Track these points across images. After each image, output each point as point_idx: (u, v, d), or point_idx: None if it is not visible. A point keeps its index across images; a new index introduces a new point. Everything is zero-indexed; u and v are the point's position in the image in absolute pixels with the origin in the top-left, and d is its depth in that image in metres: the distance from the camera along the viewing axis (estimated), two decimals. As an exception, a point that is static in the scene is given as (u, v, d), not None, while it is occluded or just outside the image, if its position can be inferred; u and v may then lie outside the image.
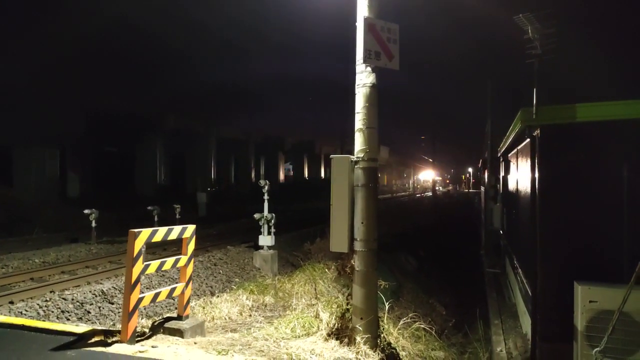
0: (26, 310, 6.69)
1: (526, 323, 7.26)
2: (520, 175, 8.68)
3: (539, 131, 6.14)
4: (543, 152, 6.08)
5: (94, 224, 13.61)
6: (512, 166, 10.85)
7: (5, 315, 6.25)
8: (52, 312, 6.83)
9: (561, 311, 5.44)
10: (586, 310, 4.99)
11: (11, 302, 7.14)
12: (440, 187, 67.55)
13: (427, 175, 72.03)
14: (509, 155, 11.60)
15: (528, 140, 6.80)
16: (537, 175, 6.14)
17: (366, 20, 4.91)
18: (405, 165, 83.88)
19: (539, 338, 6.00)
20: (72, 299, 7.30)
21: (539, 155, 6.13)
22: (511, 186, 11.33)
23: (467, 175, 78.18)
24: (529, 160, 6.64)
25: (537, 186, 6.12)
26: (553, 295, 5.84)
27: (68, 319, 6.73)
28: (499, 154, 14.70)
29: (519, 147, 9.00)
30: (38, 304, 6.94)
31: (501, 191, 14.53)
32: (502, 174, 14.29)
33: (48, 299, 7.23)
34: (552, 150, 6.04)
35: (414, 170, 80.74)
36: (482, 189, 22.65)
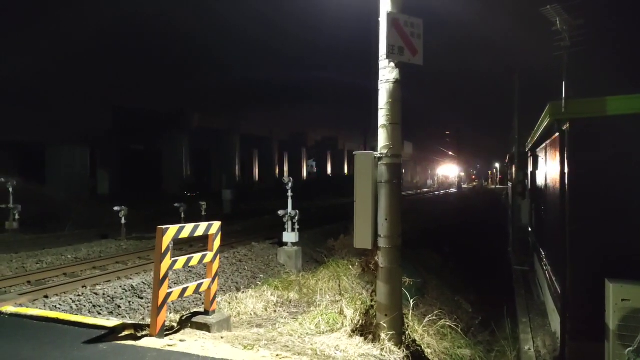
0: (60, 304, 6.92)
1: (555, 321, 7.11)
2: (549, 171, 8.48)
3: (568, 125, 5.98)
4: (573, 146, 5.93)
5: (123, 221, 13.94)
6: (541, 161, 10.60)
7: (40, 309, 6.49)
8: (84, 306, 7.05)
9: (592, 309, 5.31)
10: (618, 309, 4.86)
11: (46, 297, 7.40)
12: (465, 184, 66.56)
13: (452, 171, 71.12)
14: (537, 150, 11.34)
15: (557, 134, 6.63)
16: (566, 170, 5.99)
17: (389, 15, 4.87)
18: (429, 161, 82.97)
19: (568, 337, 5.87)
20: (103, 294, 7.52)
21: (569, 149, 5.97)
22: (540, 182, 11.08)
23: (494, 170, 76.81)
24: (558, 155, 6.48)
25: (566, 181, 5.98)
26: (583, 293, 5.69)
27: (99, 313, 6.94)
28: (526, 149, 14.39)
29: (547, 142, 8.79)
30: (71, 299, 7.17)
31: (529, 187, 14.22)
32: (530, 169, 13.98)
33: (80, 293, 7.47)
34: (582, 144, 5.87)
35: (439, 166, 79.75)
36: (510, 184, 22.22)
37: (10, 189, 15.12)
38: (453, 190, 54.25)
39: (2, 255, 11.00)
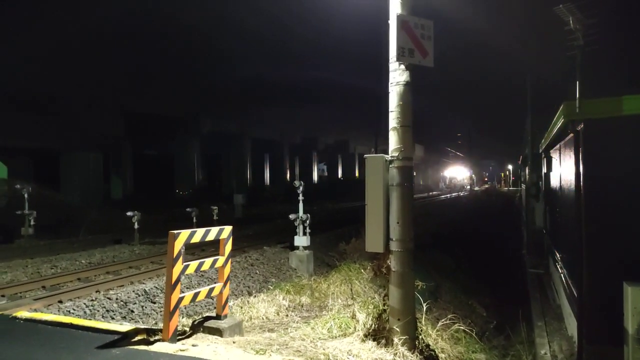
0: (74, 309, 6.97)
1: (572, 325, 6.99)
2: (564, 172, 8.36)
3: (582, 125, 5.89)
4: (588, 147, 5.83)
5: (136, 226, 14.04)
6: (555, 162, 10.47)
7: (55, 314, 6.55)
8: (98, 311, 7.09)
9: (609, 313, 5.20)
10: (637, 312, 4.75)
11: (60, 302, 7.46)
12: (477, 187, 65.95)
13: (463, 173, 70.67)
14: (551, 151, 11.20)
15: (571, 135, 6.54)
16: (581, 171, 5.89)
17: (399, 17, 4.85)
18: (441, 164, 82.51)
19: (585, 341, 5.76)
20: (117, 299, 7.56)
21: (584, 150, 5.88)
22: (554, 183, 10.94)
23: (507, 172, 76.11)
24: (572, 156, 6.39)
25: (582, 183, 5.88)
26: (600, 297, 5.58)
27: (113, 318, 6.98)
28: (540, 150, 14.22)
29: (561, 143, 8.67)
30: (85, 303, 7.22)
31: (543, 189, 14.04)
32: (544, 170, 13.81)
33: (94, 298, 7.52)
34: (597, 145, 5.78)
35: (448, 168, 79.22)
36: (523, 186, 21.98)
37: (25, 195, 15.32)
38: (461, 193, 53.47)
39: (17, 261, 11.15)
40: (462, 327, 5.83)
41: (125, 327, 4.99)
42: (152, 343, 4.39)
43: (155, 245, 13.69)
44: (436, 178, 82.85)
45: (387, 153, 5.11)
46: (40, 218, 15.85)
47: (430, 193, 55.64)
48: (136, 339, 4.53)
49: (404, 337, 4.70)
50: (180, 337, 4.61)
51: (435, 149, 70.59)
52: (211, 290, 4.98)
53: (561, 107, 6.43)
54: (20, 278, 9.51)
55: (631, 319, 4.78)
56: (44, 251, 12.90)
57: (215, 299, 5.35)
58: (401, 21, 4.83)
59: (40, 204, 16.47)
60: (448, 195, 52.06)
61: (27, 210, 15.32)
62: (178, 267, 4.42)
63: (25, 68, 20.19)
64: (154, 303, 7.75)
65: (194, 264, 4.78)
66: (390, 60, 5.03)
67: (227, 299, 5.11)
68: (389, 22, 4.97)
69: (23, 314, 5.73)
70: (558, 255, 9.40)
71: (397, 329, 4.76)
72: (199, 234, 4.72)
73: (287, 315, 6.76)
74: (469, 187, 58.41)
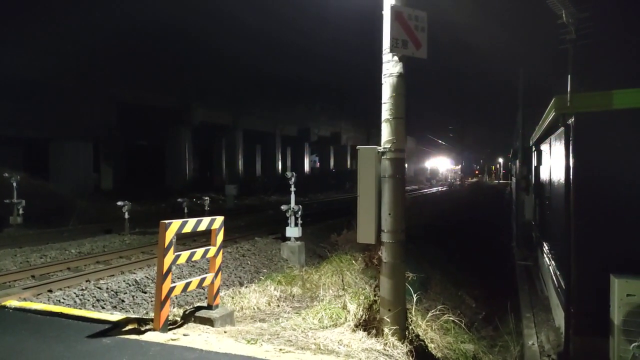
0: (64, 299, 6.94)
1: (559, 316, 7.09)
2: (554, 166, 8.43)
3: (573, 119, 5.94)
4: (578, 141, 5.89)
5: (126, 216, 13.96)
6: (545, 156, 10.55)
7: (44, 303, 6.51)
8: (88, 300, 7.07)
9: (596, 304, 5.29)
10: (623, 304, 4.84)
11: (50, 291, 7.42)
12: (465, 179, 66.18)
13: (448, 165, 71.03)
14: (542, 144, 11.28)
15: (562, 128, 6.59)
16: (571, 165, 5.95)
17: (393, 7, 4.83)
18: (429, 156, 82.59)
19: (572, 332, 5.85)
20: (107, 288, 7.53)
21: (574, 144, 5.93)
22: (544, 177, 11.03)
23: (497, 166, 76.63)
24: (563, 150, 6.44)
25: (571, 176, 5.94)
26: (588, 288, 5.67)
27: (103, 308, 6.96)
28: (531, 144, 14.32)
29: (552, 136, 8.73)
30: (75, 293, 7.19)
31: (533, 182, 14.16)
32: (534, 164, 13.92)
33: (84, 288, 7.48)
34: (587, 138, 5.83)
35: (433, 159, 79.34)
36: (513, 180, 22.16)
37: (14, 184, 15.15)
38: (443, 188, 53.29)
39: (6, 250, 11.04)
40: (451, 318, 5.89)
41: (116, 316, 4.98)
42: (143, 332, 4.39)
43: (145, 235, 13.63)
44: (425, 170, 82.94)
45: (379, 145, 5.11)
46: (30, 207, 15.69)
47: (420, 186, 55.83)
48: (127, 328, 4.52)
49: (394, 328, 4.74)
50: (171, 326, 4.61)
51: (426, 142, 70.70)
52: (202, 280, 4.98)
53: (552, 101, 6.47)
54: (9, 267, 9.43)
55: (617, 310, 4.87)
56: (33, 240, 12.80)
57: (206, 289, 5.36)
58: (395, 12, 4.81)
59: (29, 193, 16.29)
60: (436, 189, 52.18)
61: (15, 199, 15.15)
62: (169, 257, 4.41)
63: (15, 56, 19.86)
64: (145, 293, 7.73)
65: (185, 254, 4.77)
66: (383, 52, 5.02)
67: (218, 289, 5.11)
68: (383, 12, 4.95)
69: (12, 303, 5.69)
70: (547, 248, 9.52)
71: (388, 320, 4.80)
72: (190, 224, 4.70)
73: (278, 306, 6.78)
74: (458, 181, 58.45)
